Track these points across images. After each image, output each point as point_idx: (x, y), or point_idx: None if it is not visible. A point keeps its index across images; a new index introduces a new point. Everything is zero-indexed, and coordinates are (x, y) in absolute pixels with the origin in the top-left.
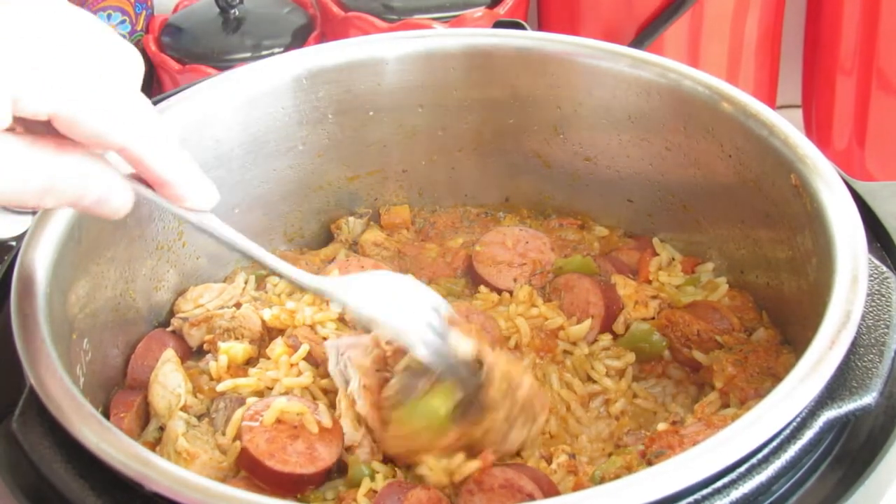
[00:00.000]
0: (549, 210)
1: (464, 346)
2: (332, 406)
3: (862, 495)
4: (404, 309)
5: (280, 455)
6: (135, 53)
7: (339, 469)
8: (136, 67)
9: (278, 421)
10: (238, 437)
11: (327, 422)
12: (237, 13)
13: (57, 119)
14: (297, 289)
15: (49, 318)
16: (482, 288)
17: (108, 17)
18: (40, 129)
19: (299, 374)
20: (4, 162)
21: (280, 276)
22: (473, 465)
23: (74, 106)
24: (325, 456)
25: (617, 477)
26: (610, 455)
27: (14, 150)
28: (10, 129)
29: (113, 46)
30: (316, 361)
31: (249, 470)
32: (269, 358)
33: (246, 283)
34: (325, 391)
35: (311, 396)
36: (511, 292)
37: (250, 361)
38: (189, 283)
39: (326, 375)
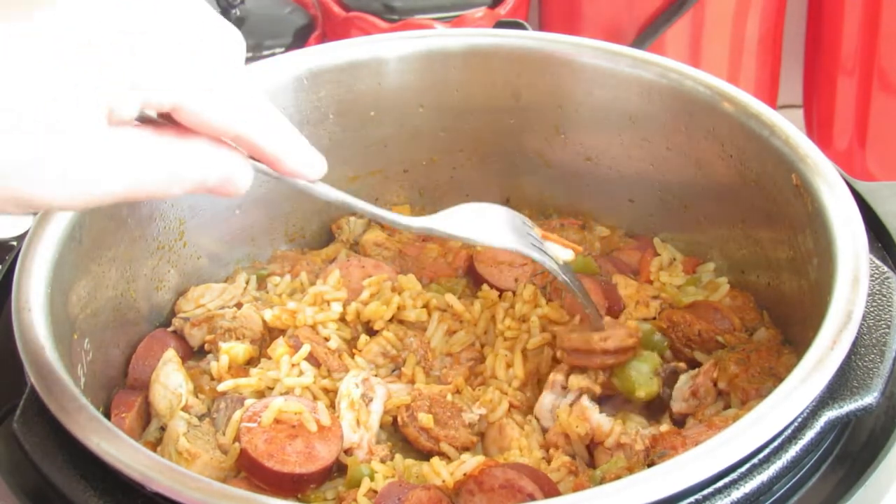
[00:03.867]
0: (550, 210)
1: (562, 252)
2: (331, 406)
3: (863, 495)
4: (505, 228)
5: (279, 455)
6: (236, 33)
7: (340, 469)
8: (240, 48)
9: (277, 421)
10: (237, 438)
11: (326, 420)
12: (238, 13)
13: (180, 110)
14: (299, 288)
15: (50, 319)
16: (484, 287)
17: None
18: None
19: (300, 374)
20: (135, 152)
21: (391, 223)
22: (473, 462)
23: (197, 96)
24: (325, 455)
25: (618, 477)
26: (611, 455)
27: (142, 141)
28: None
29: (218, 28)
30: (317, 362)
31: (249, 471)
32: (270, 358)
33: (247, 283)
34: (326, 391)
35: (312, 396)
36: (513, 292)
37: (251, 361)
38: (190, 283)
39: (327, 375)
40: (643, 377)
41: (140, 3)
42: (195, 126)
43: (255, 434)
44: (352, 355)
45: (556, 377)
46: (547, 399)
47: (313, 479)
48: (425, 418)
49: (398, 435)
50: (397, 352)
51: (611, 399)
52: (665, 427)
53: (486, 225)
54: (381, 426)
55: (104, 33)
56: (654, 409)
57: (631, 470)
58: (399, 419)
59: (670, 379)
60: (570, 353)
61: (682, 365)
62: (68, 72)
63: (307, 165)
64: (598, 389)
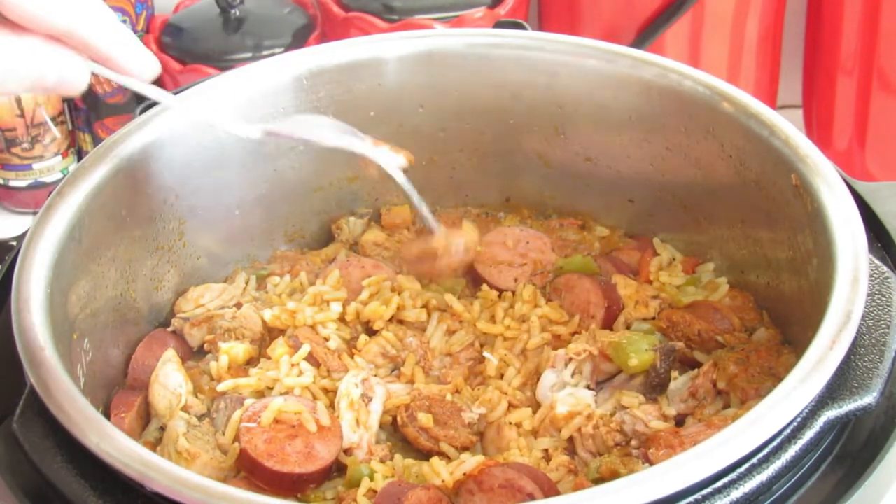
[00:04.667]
0: (549, 210)
1: (395, 157)
2: (331, 406)
3: (862, 495)
4: (339, 131)
5: (279, 455)
6: None
7: (339, 469)
8: None
9: (276, 421)
10: (237, 438)
11: (326, 420)
12: (238, 13)
13: (4, 4)
14: (298, 288)
15: (50, 319)
16: (483, 287)
17: None
18: None
19: (300, 374)
20: None
21: (224, 129)
22: (473, 462)
23: None
24: (324, 454)
25: (611, 471)
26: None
27: None
28: None
29: None
30: (317, 362)
31: (249, 471)
32: (269, 358)
33: (247, 283)
34: (326, 391)
35: (312, 396)
36: (513, 292)
37: (251, 361)
38: (189, 283)
39: (327, 375)
40: (638, 349)
41: None
42: (20, 19)
43: (254, 434)
44: (351, 355)
45: (558, 353)
46: (548, 378)
47: (313, 479)
48: (425, 418)
49: (398, 435)
50: (397, 352)
51: (610, 381)
52: (663, 409)
53: (320, 127)
54: (381, 426)
55: None
56: (655, 390)
57: (626, 465)
58: (399, 419)
59: (667, 356)
60: (413, 263)
61: (680, 344)
62: None
63: (139, 64)
64: (595, 350)
